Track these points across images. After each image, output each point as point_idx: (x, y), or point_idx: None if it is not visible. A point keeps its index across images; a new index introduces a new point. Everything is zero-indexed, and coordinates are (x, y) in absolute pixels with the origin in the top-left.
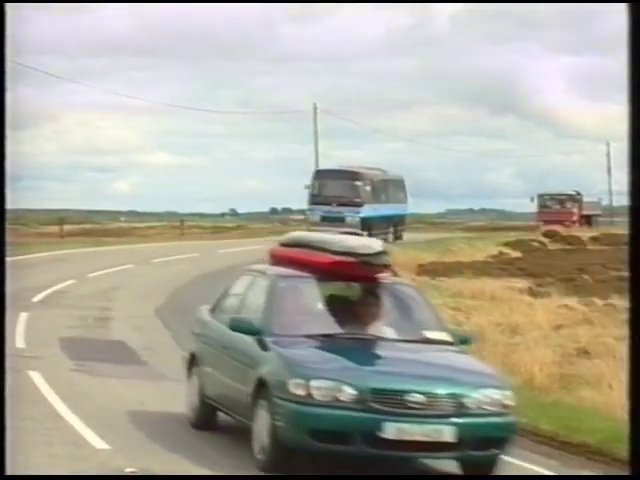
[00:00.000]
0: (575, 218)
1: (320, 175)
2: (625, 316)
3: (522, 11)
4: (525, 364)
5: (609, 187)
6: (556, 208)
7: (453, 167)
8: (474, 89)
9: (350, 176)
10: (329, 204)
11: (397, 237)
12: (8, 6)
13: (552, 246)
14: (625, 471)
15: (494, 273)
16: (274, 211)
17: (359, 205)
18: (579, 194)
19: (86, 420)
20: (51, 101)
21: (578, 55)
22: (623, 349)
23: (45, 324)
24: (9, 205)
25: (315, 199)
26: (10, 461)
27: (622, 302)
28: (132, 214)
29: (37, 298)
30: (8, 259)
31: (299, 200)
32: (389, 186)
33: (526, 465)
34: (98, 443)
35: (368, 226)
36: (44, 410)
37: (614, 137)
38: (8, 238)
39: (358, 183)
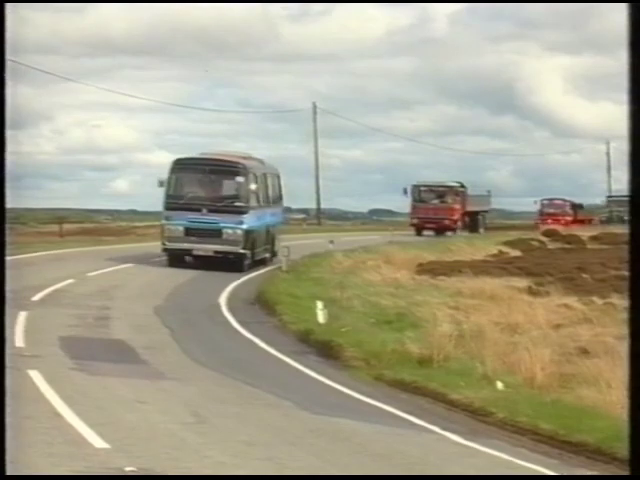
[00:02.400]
0: (457, 216)
1: (182, 167)
2: (625, 315)
3: (521, 11)
4: (525, 363)
5: (609, 186)
6: (434, 203)
7: (452, 166)
8: (473, 88)
9: (228, 168)
10: (197, 210)
11: (274, 254)
12: (8, 6)
13: (552, 245)
14: (624, 470)
15: (494, 272)
16: None
17: (242, 212)
18: (463, 186)
19: (86, 419)
20: (50, 100)
21: (577, 55)
22: (623, 348)
23: (45, 323)
24: (8, 204)
25: (174, 202)
26: (10, 461)
27: (622, 301)
28: (130, 213)
29: (37, 297)
30: (9, 258)
31: (299, 199)
32: (269, 183)
33: (526, 464)
34: (98, 442)
35: (252, 242)
36: (44, 409)
37: (613, 136)
38: (7, 237)
39: (240, 179)
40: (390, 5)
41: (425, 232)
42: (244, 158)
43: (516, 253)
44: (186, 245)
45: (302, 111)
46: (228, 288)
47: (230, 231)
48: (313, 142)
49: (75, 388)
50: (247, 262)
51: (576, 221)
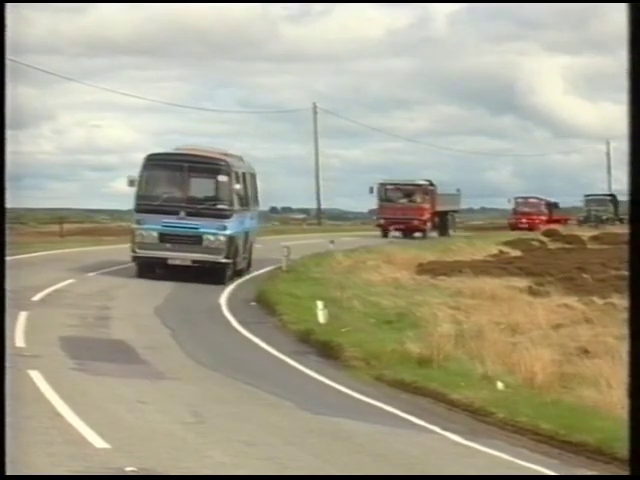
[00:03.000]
0: (426, 216)
1: (156, 163)
2: (625, 315)
3: (521, 11)
4: (525, 363)
5: (609, 186)
6: (402, 202)
7: (452, 166)
8: (473, 88)
9: (210, 166)
10: (173, 213)
11: (249, 265)
12: (8, 6)
13: (552, 245)
14: (625, 470)
15: (494, 272)
16: (274, 210)
17: (225, 215)
18: (432, 184)
19: (86, 419)
20: (51, 100)
21: (577, 55)
22: (623, 348)
23: (45, 323)
24: (8, 204)
25: (146, 204)
26: (10, 461)
27: (622, 301)
28: (130, 213)
29: (37, 297)
30: (9, 258)
31: (300, 199)
32: (248, 183)
33: (526, 464)
34: (98, 442)
35: (234, 250)
36: (44, 409)
37: (613, 136)
38: (8, 237)
39: (223, 178)
40: (390, 5)
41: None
42: (224, 154)
43: (516, 253)
44: (160, 253)
45: (302, 111)
46: (228, 288)
47: (212, 237)
48: (313, 142)
49: (75, 388)
50: (229, 273)
51: (551, 220)
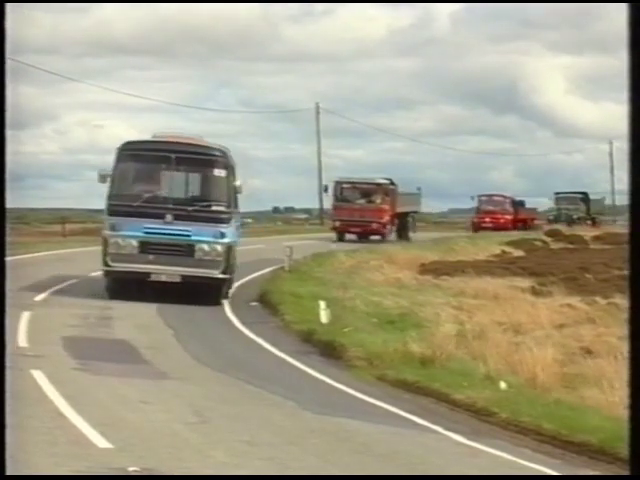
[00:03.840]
0: (386, 218)
1: (134, 154)
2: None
3: (523, 11)
4: (527, 363)
5: (611, 186)
6: (359, 203)
7: (455, 166)
8: (475, 88)
9: (204, 157)
10: (158, 216)
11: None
12: (9, 6)
13: (555, 245)
14: (627, 471)
15: (497, 272)
16: (276, 210)
17: (223, 219)
18: (393, 183)
19: (89, 419)
20: (53, 100)
21: (579, 55)
22: (626, 348)
23: (47, 323)
24: (11, 204)
25: (123, 205)
26: (11, 460)
27: (625, 301)
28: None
29: (39, 297)
30: (10, 258)
31: (302, 199)
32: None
33: (528, 464)
34: (101, 442)
35: (232, 264)
36: (47, 409)
37: (616, 136)
38: (10, 237)
39: (220, 173)
40: (392, 5)
41: (425, 234)
42: (217, 145)
43: (519, 253)
44: (141, 267)
45: (305, 111)
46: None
47: (206, 247)
48: (316, 142)
49: (78, 388)
50: (224, 291)
51: (517, 220)
